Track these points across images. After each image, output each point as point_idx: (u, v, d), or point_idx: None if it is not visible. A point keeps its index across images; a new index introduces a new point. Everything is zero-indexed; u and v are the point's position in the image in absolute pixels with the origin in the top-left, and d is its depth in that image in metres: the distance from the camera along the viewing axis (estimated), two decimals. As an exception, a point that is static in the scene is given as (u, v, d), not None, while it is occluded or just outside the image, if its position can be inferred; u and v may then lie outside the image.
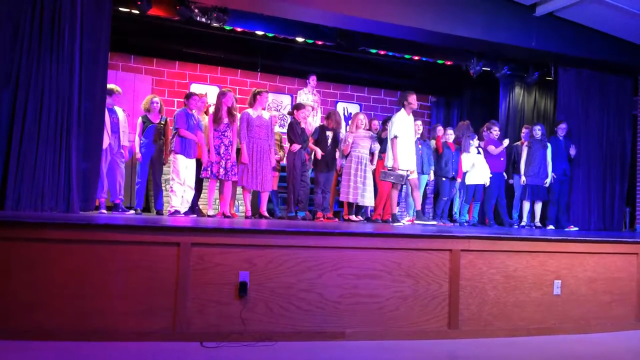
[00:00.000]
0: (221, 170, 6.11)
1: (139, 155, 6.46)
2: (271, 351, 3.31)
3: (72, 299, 3.27)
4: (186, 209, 6.09)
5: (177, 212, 5.91)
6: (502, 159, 7.49)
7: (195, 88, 8.48)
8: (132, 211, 6.34)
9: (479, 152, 7.40)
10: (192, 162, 6.13)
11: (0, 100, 4.87)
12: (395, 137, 5.84)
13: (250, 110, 6.37)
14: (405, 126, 5.91)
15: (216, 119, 6.15)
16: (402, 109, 6.01)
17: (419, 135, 7.14)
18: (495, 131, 7.57)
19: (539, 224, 7.62)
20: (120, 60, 8.11)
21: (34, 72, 4.97)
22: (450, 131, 7.59)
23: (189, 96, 6.28)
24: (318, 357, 3.33)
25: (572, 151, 7.65)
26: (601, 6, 6.78)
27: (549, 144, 7.55)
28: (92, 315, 3.29)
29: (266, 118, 6.44)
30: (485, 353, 3.59)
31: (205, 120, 6.52)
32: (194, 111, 6.23)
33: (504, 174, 7.66)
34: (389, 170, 5.87)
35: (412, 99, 5.97)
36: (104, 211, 6.08)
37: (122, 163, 6.37)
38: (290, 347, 3.43)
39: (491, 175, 7.37)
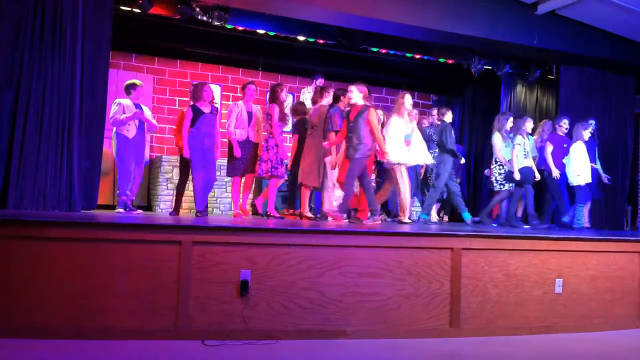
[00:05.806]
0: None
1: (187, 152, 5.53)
2: (272, 349, 3.32)
3: (74, 298, 3.28)
4: None
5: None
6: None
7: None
8: (139, 210, 6.16)
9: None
10: None
11: (3, 100, 4.89)
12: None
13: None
14: None
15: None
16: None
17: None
18: (565, 124, 6.99)
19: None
20: (121, 59, 8.10)
21: (36, 72, 4.99)
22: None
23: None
24: (319, 355, 3.34)
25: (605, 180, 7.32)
26: (603, 4, 6.75)
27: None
28: (94, 313, 3.30)
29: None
30: (486, 351, 3.59)
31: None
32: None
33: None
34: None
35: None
36: (121, 210, 5.81)
37: (142, 160, 6.09)
38: (292, 345, 3.44)
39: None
